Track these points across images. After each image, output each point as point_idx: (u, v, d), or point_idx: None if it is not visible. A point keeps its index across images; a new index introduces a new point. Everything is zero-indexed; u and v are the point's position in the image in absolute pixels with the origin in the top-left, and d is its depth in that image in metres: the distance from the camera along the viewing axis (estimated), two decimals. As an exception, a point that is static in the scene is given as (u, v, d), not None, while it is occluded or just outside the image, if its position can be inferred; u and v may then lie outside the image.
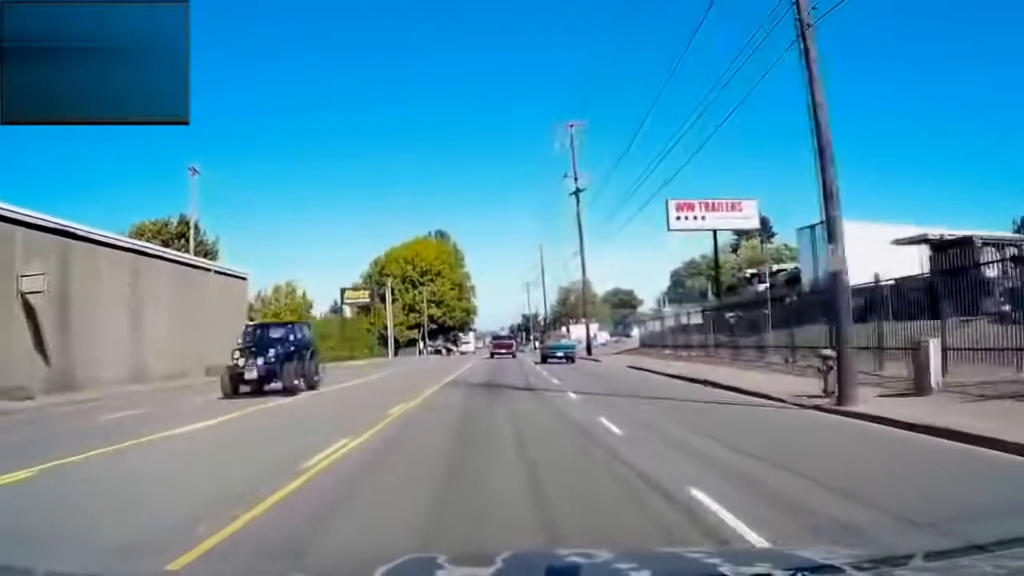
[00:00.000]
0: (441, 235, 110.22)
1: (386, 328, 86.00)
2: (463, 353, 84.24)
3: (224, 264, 42.65)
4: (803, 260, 35.09)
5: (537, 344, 58.75)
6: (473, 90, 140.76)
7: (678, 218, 43.96)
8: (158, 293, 33.25)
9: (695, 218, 44.46)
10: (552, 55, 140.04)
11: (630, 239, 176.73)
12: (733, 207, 45.39)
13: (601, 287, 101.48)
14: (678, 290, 78.09)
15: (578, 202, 48.25)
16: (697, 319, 38.63)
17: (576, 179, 48.35)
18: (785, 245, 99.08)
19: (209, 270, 37.41)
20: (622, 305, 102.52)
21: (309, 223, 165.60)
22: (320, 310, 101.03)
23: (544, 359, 38.27)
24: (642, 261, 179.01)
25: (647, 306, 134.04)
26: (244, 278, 41.92)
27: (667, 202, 43.61)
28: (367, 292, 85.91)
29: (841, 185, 13.36)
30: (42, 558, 4.24)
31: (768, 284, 37.10)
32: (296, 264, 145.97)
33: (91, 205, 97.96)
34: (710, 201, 45.16)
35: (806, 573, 1.80)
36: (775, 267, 42.96)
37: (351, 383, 24.70)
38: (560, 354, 37.61)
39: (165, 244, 46.85)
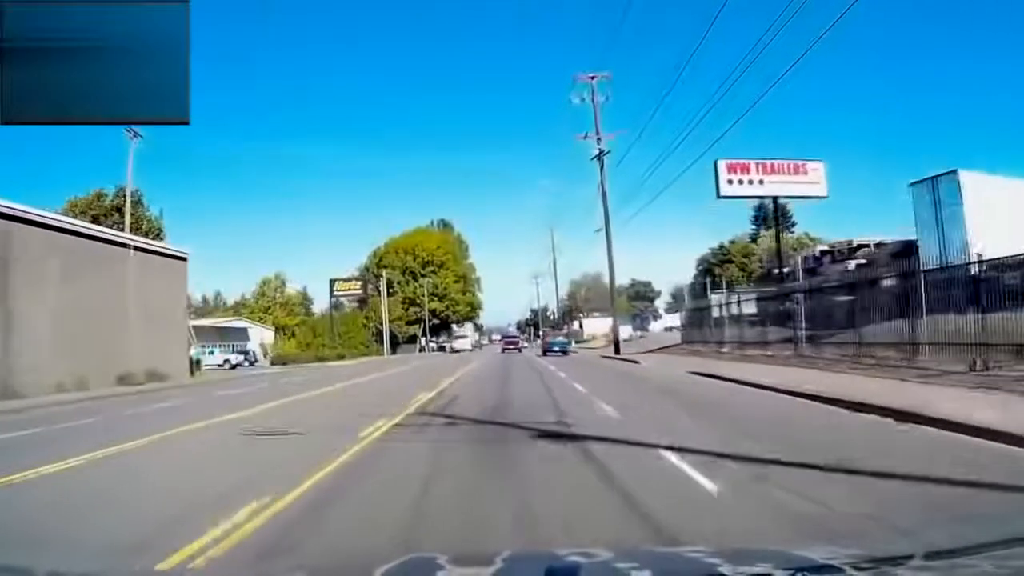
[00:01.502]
0: (444, 225, 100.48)
1: (384, 323, 76.18)
2: (456, 351, 70.19)
3: (155, 241, 33.03)
4: (921, 225, 25.19)
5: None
6: (477, 64, 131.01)
7: (730, 181, 34.28)
8: (43, 275, 23.70)
9: (750, 182, 34.71)
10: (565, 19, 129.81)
11: (646, 227, 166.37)
12: (796, 169, 35.56)
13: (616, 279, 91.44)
14: (705, 279, 68.01)
15: (602, 167, 38.41)
16: (749, 308, 29.35)
17: (599, 139, 38.49)
18: (806, 234, 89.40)
19: (127, 246, 27.75)
20: (638, 298, 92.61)
21: (307, 215, 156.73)
22: (320, 306, 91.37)
23: (544, 352, 45.84)
24: (659, 251, 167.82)
25: (664, 299, 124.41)
26: (183, 258, 32.16)
27: (716, 163, 34.05)
28: (359, 284, 75.83)
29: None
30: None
31: (865, 261, 27.37)
32: (295, 260, 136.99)
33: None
34: (768, 162, 35.35)
35: (806, 573, 1.73)
36: (856, 241, 33.06)
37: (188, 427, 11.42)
38: (556, 348, 45.01)
39: (95, 220, 37.37)
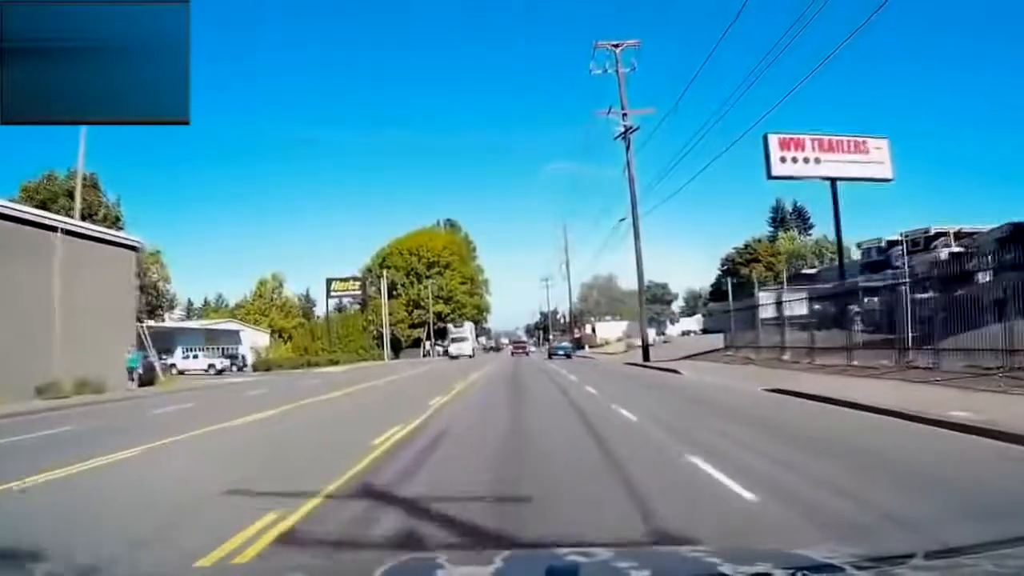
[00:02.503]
0: (451, 224, 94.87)
1: (384, 326, 70.53)
2: (454, 357, 61.59)
3: (100, 227, 27.59)
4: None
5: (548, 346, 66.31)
6: (484, 54, 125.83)
7: (783, 159, 28.65)
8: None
9: (805, 160, 29.04)
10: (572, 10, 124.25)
11: (661, 228, 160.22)
12: (856, 147, 29.92)
13: (627, 281, 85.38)
14: (730, 279, 62.18)
15: (628, 146, 32.78)
16: (803, 308, 23.90)
17: (624, 115, 32.85)
18: (825, 236, 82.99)
19: (56, 229, 22.26)
20: (655, 300, 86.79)
21: (313, 219, 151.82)
22: (324, 309, 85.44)
23: (550, 356, 47.94)
24: (674, 253, 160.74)
25: (678, 303, 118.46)
26: (133, 247, 26.69)
27: (766, 137, 28.47)
28: (358, 284, 70.16)
29: None
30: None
31: (961, 249, 21.74)
32: (301, 263, 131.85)
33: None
34: (825, 138, 29.71)
35: (806, 572, 1.64)
36: (933, 229, 27.31)
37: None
38: (561, 352, 47.35)
39: (43, 204, 32.02)
